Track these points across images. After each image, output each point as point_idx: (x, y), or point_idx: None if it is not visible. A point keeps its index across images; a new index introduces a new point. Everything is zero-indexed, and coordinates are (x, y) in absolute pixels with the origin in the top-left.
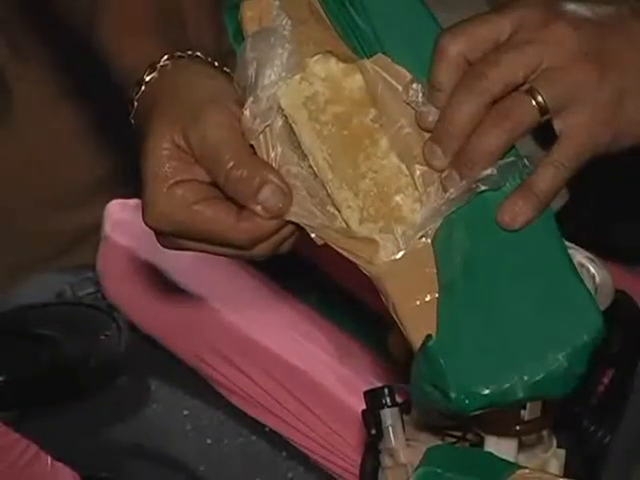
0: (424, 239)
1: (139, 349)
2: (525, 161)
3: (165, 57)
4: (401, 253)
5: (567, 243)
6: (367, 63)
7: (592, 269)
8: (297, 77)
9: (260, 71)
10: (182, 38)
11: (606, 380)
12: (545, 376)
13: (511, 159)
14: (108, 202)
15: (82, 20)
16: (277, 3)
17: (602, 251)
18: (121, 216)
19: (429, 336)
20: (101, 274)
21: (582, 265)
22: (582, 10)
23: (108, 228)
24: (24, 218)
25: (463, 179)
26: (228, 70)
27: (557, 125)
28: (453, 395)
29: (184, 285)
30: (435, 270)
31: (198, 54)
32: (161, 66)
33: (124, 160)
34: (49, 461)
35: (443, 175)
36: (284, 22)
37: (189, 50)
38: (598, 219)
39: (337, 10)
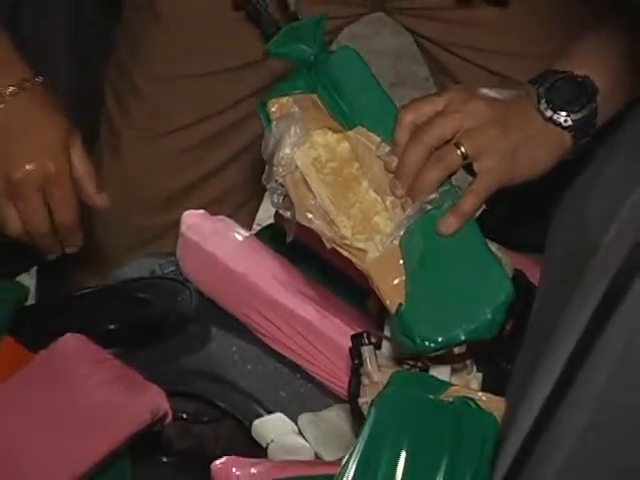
0: (394, 242)
1: (203, 307)
2: (457, 189)
3: None
4: (380, 253)
5: (485, 239)
6: (351, 133)
7: (500, 254)
8: (307, 145)
9: (281, 141)
10: None
11: (508, 327)
12: (477, 325)
13: (447, 187)
14: (186, 209)
15: None
16: (291, 99)
17: (505, 243)
18: (193, 221)
19: (400, 304)
20: (179, 258)
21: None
22: (492, 92)
23: (184, 228)
24: (129, 217)
25: (415, 202)
26: None
27: (475, 167)
28: (418, 341)
29: (232, 265)
30: (402, 262)
31: None
32: None
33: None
34: (142, 380)
35: (402, 200)
36: (295, 109)
37: None
38: (504, 223)
39: (329, 100)
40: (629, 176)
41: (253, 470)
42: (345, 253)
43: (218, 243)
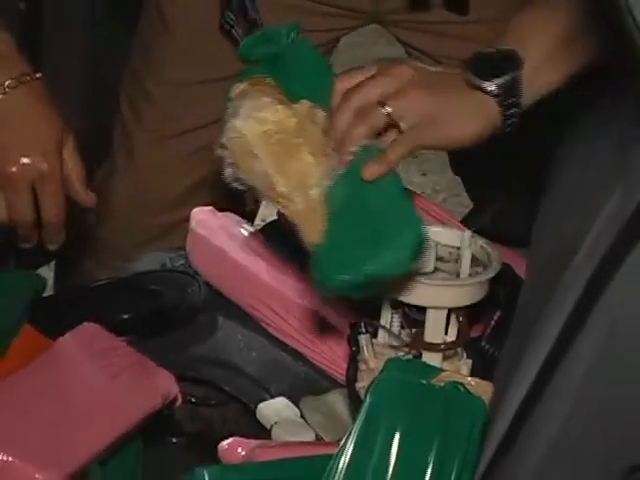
0: (321, 193)
1: (211, 298)
2: (377, 146)
3: None
4: (307, 204)
5: (475, 234)
6: (297, 107)
7: (489, 249)
8: (257, 119)
9: (235, 113)
10: None
11: (495, 317)
12: (386, 262)
13: (368, 144)
14: (194, 206)
15: None
16: (248, 82)
17: (494, 238)
18: (201, 217)
19: (317, 246)
20: (189, 252)
21: (483, 247)
22: (422, 63)
23: (193, 224)
24: (140, 218)
25: (341, 155)
26: None
27: (401, 126)
28: (332, 279)
29: (238, 259)
30: (326, 211)
31: None
32: None
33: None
34: (154, 366)
35: (330, 154)
36: (250, 89)
37: None
38: (492, 221)
39: (282, 81)
40: (611, 174)
41: (258, 450)
42: (277, 205)
43: (225, 238)
